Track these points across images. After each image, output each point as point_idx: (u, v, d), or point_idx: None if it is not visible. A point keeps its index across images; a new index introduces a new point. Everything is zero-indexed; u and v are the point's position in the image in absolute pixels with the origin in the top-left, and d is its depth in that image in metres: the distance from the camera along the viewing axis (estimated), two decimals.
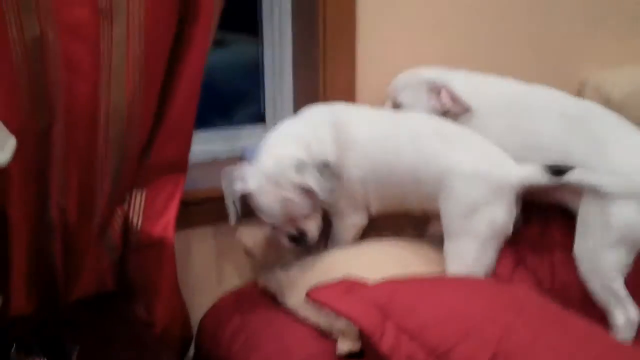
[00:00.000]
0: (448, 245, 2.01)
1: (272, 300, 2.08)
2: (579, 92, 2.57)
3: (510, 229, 2.00)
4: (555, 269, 2.05)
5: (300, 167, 1.91)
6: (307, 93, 2.37)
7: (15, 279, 1.91)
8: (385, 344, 1.58)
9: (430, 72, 2.21)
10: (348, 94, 2.32)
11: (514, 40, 2.56)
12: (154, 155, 2.04)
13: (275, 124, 2.18)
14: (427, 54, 2.39)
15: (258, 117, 2.53)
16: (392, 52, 2.37)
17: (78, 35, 1.78)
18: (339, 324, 1.84)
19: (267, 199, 1.94)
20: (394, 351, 1.57)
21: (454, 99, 2.13)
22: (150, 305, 2.10)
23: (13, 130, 1.58)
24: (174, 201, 2.07)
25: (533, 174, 1.96)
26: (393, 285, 1.72)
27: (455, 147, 2.02)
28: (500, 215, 1.97)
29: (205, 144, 2.40)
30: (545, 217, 2.12)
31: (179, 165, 2.07)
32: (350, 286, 1.73)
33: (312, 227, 2.02)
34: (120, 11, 1.80)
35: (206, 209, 2.22)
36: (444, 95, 2.14)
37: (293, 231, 2.01)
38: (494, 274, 1.99)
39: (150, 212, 2.06)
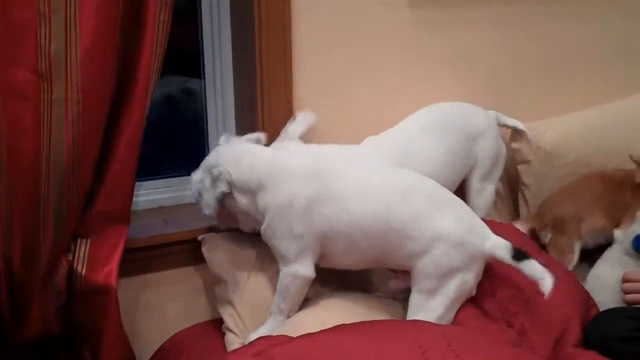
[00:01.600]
0: (416, 299, 2.05)
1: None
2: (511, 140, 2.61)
3: (474, 291, 2.08)
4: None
5: (205, 170, 2.08)
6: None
7: None
8: None
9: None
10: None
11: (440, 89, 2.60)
12: (96, 207, 2.10)
13: None
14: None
15: None
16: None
17: (20, 96, 1.86)
18: None
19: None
20: None
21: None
22: (95, 349, 2.15)
23: None
24: (117, 250, 2.13)
25: (502, 249, 2.02)
26: (303, 342, 1.73)
27: (444, 211, 2.04)
28: (471, 281, 2.05)
29: (151, 193, 2.47)
30: None
31: (122, 216, 2.14)
32: (263, 348, 1.73)
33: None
34: (59, 75, 1.88)
35: (151, 255, 2.28)
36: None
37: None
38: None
39: (94, 260, 2.12)
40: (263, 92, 2.33)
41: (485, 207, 2.44)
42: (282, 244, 2.06)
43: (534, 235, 2.46)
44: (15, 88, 1.86)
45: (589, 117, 2.71)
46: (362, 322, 1.86)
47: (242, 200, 2.07)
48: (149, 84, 2.05)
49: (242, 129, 2.44)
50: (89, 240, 2.12)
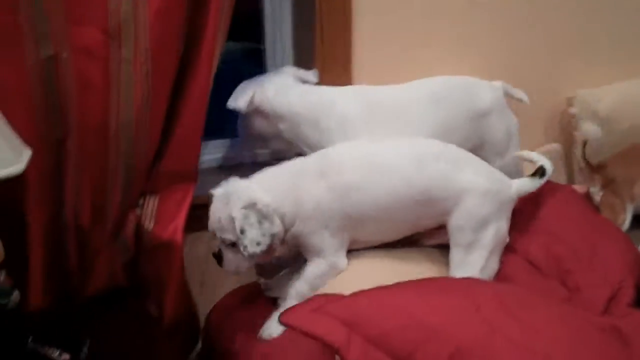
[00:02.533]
0: (456, 255, 2.09)
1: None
2: (567, 107, 2.67)
3: (508, 238, 2.14)
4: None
5: (248, 207, 1.94)
6: None
7: (32, 276, 2.03)
8: (353, 355, 1.65)
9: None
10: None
11: (507, 56, 2.66)
12: (164, 165, 2.17)
13: None
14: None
15: None
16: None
17: (89, 55, 1.92)
18: None
19: (212, 207, 2.02)
20: None
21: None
22: (160, 302, 2.21)
23: (30, 140, 1.72)
24: (183, 207, 2.19)
25: (526, 184, 2.13)
26: (357, 298, 1.78)
27: (462, 168, 2.09)
28: (504, 226, 2.12)
29: (211, 153, 2.55)
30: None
31: (189, 174, 2.20)
32: (319, 304, 1.79)
33: (229, 259, 2.02)
34: (128, 35, 1.93)
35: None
36: None
37: (216, 249, 2.05)
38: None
39: (161, 216, 2.19)
40: (323, 59, 2.41)
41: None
42: (320, 240, 2.07)
43: (590, 197, 2.49)
44: (85, 47, 1.91)
45: None
46: (413, 280, 1.90)
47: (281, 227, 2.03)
48: (215, 46, 2.09)
49: None
50: (157, 196, 2.18)
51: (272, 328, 1.97)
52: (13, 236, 1.92)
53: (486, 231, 2.07)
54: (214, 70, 2.13)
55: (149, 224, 2.19)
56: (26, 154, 1.65)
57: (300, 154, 2.26)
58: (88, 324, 2.02)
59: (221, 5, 2.06)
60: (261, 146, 2.44)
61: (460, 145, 2.19)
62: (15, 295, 1.83)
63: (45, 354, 1.85)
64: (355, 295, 1.80)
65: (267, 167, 2.08)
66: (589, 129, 2.56)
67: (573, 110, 2.63)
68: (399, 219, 2.10)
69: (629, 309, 1.97)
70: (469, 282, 1.95)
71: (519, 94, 2.46)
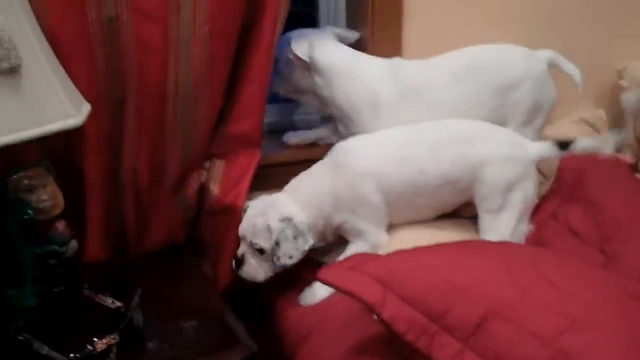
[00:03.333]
0: (485, 220, 2.15)
1: None
2: (617, 78, 2.69)
3: (536, 199, 2.18)
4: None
5: (285, 220, 2.04)
6: None
7: (90, 229, 2.13)
8: (387, 313, 1.68)
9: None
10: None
11: (558, 29, 2.66)
12: (230, 129, 2.22)
13: None
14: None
15: None
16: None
17: (148, 16, 1.97)
18: None
19: (248, 213, 2.10)
20: (395, 319, 1.67)
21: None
22: (215, 264, 2.29)
23: (90, 98, 1.80)
24: (248, 173, 2.25)
25: (546, 149, 2.16)
26: (393, 257, 1.82)
27: (476, 142, 2.15)
28: (531, 189, 2.16)
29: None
30: None
31: (253, 140, 2.25)
32: (355, 263, 1.82)
33: (251, 264, 2.10)
34: None
35: (268, 174, 2.35)
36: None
37: (239, 253, 2.12)
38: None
39: (226, 181, 2.25)
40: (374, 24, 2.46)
41: None
42: (355, 224, 2.16)
43: (636, 168, 2.50)
44: (143, 9, 1.96)
45: None
46: (448, 243, 1.93)
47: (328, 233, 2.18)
48: (279, 8, 2.12)
49: None
50: (223, 161, 2.25)
51: (309, 297, 2.09)
52: (73, 189, 2.02)
53: (512, 195, 2.13)
54: (278, 33, 2.17)
55: (213, 187, 2.25)
56: (86, 108, 1.75)
57: (331, 116, 2.36)
58: (142, 276, 2.08)
59: None
60: (293, 97, 2.48)
61: (487, 117, 2.24)
62: (73, 244, 1.93)
63: (100, 301, 1.93)
64: (391, 254, 1.84)
65: (300, 175, 2.18)
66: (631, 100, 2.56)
67: (623, 82, 2.64)
68: (421, 205, 2.20)
69: None
70: (503, 245, 1.98)
71: (571, 68, 2.41)
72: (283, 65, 2.37)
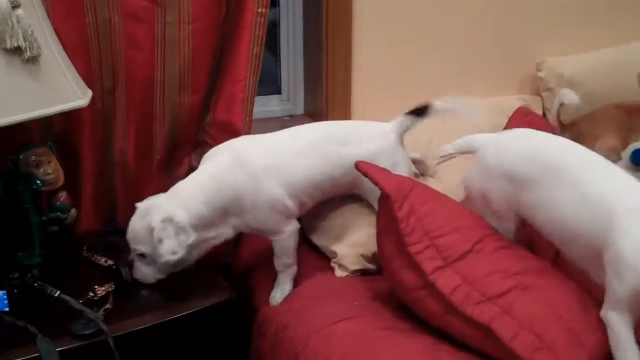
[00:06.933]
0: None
1: None
2: (536, 71, 3.00)
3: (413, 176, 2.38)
4: None
5: (166, 220, 2.02)
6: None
7: (84, 203, 2.38)
8: (400, 213, 1.97)
9: None
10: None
11: (479, 26, 2.94)
12: (215, 118, 2.46)
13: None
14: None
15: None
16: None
17: (136, 19, 2.26)
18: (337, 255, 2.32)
19: (132, 219, 2.10)
20: (403, 221, 1.97)
21: None
22: None
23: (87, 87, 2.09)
24: None
25: (403, 121, 2.32)
26: (417, 184, 2.11)
27: (350, 143, 2.25)
28: (405, 170, 2.31)
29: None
30: None
31: (237, 129, 2.42)
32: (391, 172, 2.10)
33: (139, 269, 2.09)
34: (172, 1, 2.25)
35: None
36: None
37: (129, 258, 2.11)
38: None
39: None
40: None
41: None
42: (271, 224, 2.21)
43: None
44: (132, 12, 2.25)
45: (607, 55, 3.02)
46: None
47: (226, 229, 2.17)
48: (254, 12, 2.34)
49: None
50: (211, 146, 2.31)
51: (277, 297, 2.26)
52: (72, 166, 2.30)
53: (401, 169, 2.28)
54: (259, 31, 2.36)
55: None
56: (89, 92, 2.06)
57: None
58: None
59: None
60: None
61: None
62: (73, 212, 2.22)
63: (95, 260, 2.22)
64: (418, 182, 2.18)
65: (189, 177, 2.17)
66: (568, 94, 2.76)
67: (541, 74, 2.95)
68: (318, 196, 2.28)
69: None
70: None
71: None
72: None
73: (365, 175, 2.07)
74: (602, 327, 1.82)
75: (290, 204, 2.19)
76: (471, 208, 2.11)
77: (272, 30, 2.83)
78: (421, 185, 2.16)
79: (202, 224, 2.08)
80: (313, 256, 2.42)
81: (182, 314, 2.02)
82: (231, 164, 2.14)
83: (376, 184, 2.05)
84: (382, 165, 2.14)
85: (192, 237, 2.04)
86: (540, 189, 1.90)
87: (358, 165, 2.09)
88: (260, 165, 2.15)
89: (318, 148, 2.24)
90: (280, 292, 2.27)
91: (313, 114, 2.88)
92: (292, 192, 2.18)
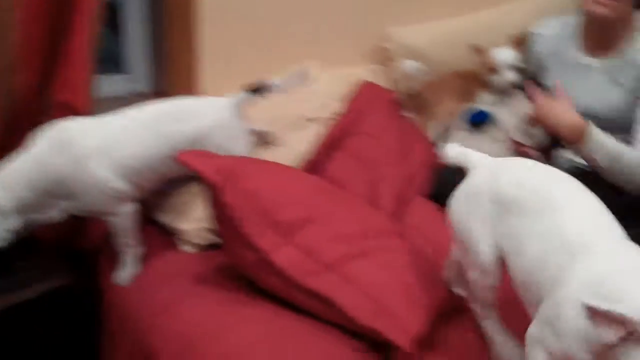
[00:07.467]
0: None
1: None
2: (383, 44, 2.99)
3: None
4: None
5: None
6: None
7: None
8: (227, 198, 1.98)
9: None
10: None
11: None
12: (55, 98, 2.38)
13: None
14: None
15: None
16: None
17: None
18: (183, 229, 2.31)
19: None
20: (232, 206, 1.98)
21: None
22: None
23: None
24: None
25: (241, 97, 2.35)
26: (240, 162, 2.14)
27: (185, 120, 2.25)
28: (243, 152, 2.34)
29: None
30: None
31: (78, 109, 2.34)
32: (212, 155, 2.12)
33: None
34: None
35: None
36: None
37: None
38: None
39: None
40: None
41: None
42: (102, 207, 2.18)
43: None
44: None
45: (449, 26, 3.07)
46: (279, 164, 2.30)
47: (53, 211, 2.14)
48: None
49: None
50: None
51: (121, 277, 2.23)
52: None
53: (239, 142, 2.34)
54: (97, 10, 2.34)
55: None
56: None
57: None
58: None
59: None
60: None
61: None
62: None
63: None
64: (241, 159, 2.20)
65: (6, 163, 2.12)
66: (410, 64, 2.84)
67: (387, 45, 2.95)
68: (155, 179, 2.27)
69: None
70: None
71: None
72: None
73: (185, 165, 2.06)
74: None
75: (122, 185, 2.16)
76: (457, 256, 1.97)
77: (114, 9, 2.78)
78: (246, 161, 2.18)
79: (26, 208, 2.05)
80: (159, 235, 2.39)
81: (18, 301, 2.00)
82: (55, 146, 2.10)
83: (197, 173, 2.04)
84: (218, 139, 2.19)
85: (11, 221, 2.02)
86: (523, 215, 1.71)
87: (178, 158, 2.08)
88: (86, 147, 2.11)
89: (152, 127, 2.22)
90: (124, 272, 2.25)
91: (160, 93, 2.83)
92: (124, 174, 2.16)
